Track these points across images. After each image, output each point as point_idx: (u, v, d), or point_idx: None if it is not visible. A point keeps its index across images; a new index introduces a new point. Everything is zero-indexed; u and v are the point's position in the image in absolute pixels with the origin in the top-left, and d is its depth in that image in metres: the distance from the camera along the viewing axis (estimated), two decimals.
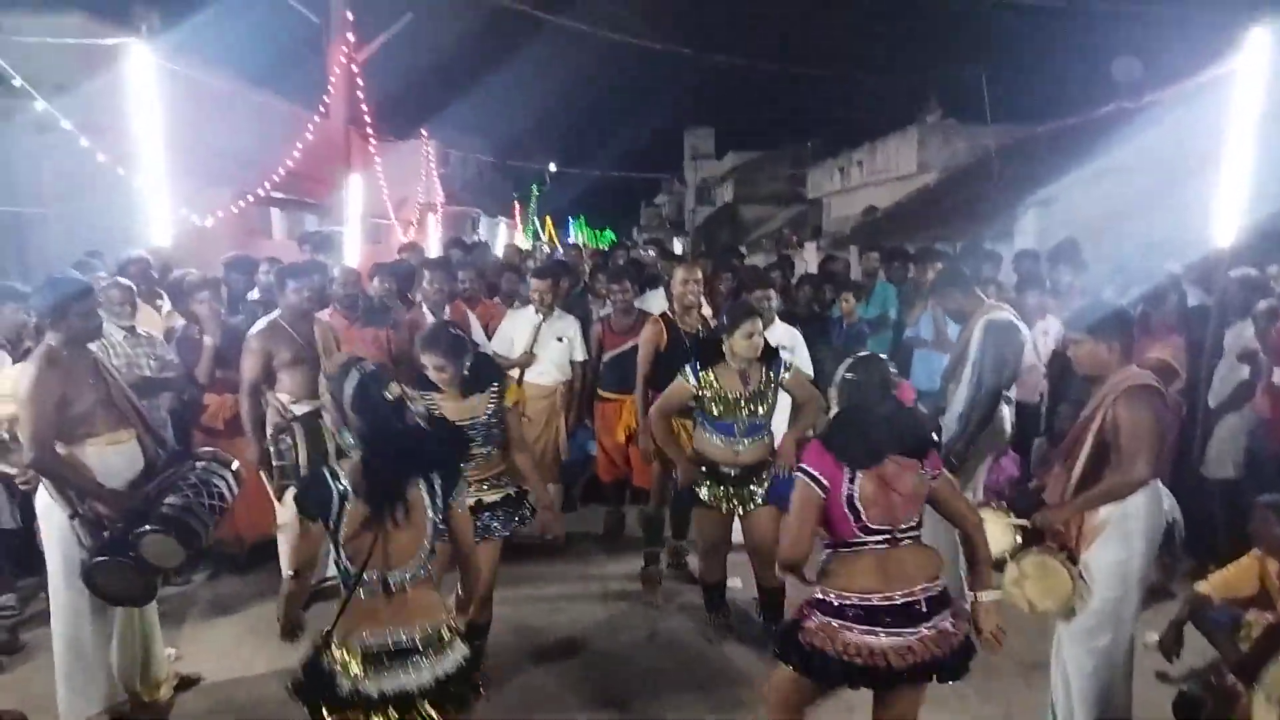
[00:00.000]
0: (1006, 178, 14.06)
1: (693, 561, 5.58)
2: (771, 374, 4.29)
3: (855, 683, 2.80)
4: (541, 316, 5.87)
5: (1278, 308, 5.09)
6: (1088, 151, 11.02)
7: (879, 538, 2.79)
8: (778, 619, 4.43)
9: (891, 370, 3.06)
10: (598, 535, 6.14)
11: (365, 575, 2.65)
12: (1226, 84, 5.67)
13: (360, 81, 12.49)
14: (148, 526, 3.43)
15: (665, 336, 5.17)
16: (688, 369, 4.31)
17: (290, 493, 2.65)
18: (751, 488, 4.33)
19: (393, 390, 2.82)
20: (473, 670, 2.77)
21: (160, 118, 7.43)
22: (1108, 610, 3.24)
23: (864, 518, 2.78)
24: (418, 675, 2.64)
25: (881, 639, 2.72)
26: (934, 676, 2.79)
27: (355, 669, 2.61)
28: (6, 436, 4.21)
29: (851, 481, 2.78)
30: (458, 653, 2.75)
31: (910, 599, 2.75)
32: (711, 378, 4.25)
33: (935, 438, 3.04)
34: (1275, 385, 4.74)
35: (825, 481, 2.79)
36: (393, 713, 2.61)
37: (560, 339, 5.92)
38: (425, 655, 2.67)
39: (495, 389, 3.91)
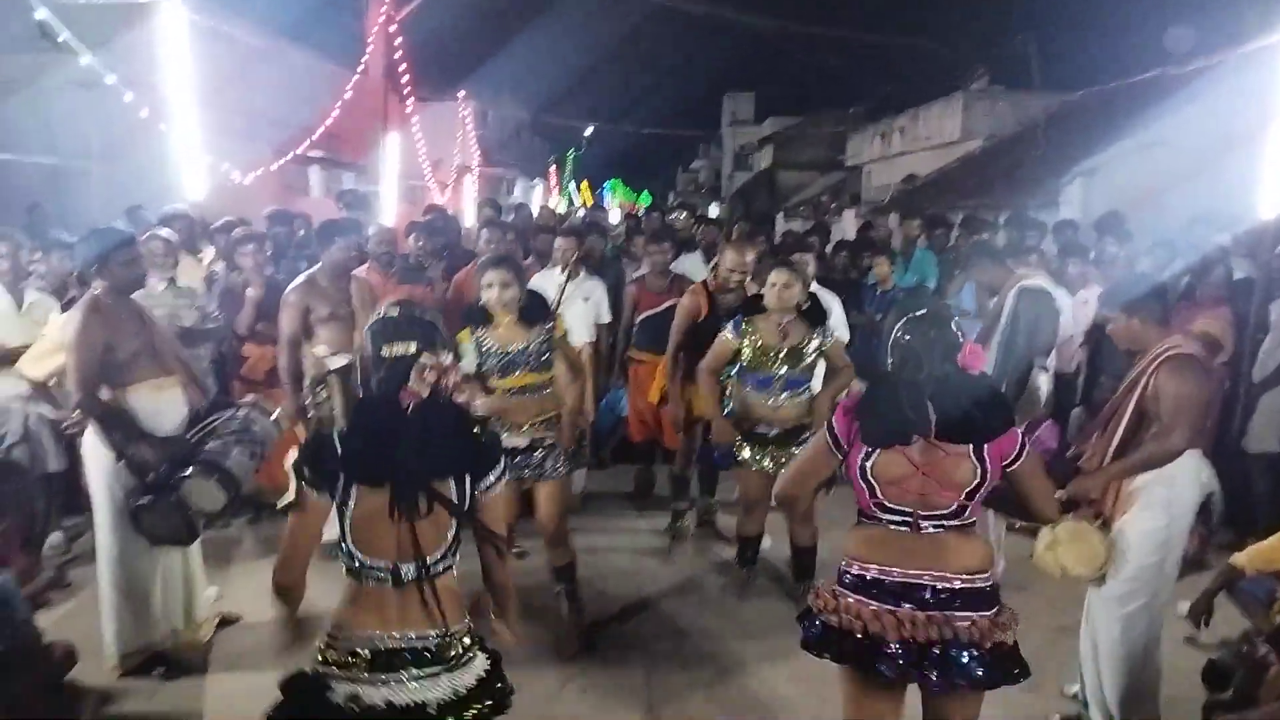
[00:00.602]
0: (1052, 146, 13.76)
1: (721, 519, 5.64)
2: (813, 333, 4.37)
3: (845, 654, 2.47)
4: (567, 276, 5.83)
5: None
6: (1135, 120, 10.76)
7: (897, 518, 2.48)
8: (808, 577, 4.52)
9: (956, 330, 2.55)
10: (628, 493, 6.21)
11: (373, 563, 2.20)
12: (1276, 53, 5.51)
13: (398, 40, 12.50)
14: (190, 470, 3.52)
15: (705, 308, 5.11)
16: (729, 325, 4.41)
17: (290, 458, 2.15)
18: (791, 448, 4.35)
19: (397, 348, 2.21)
20: (496, 683, 2.31)
21: (201, 74, 7.51)
22: (1141, 577, 3.22)
23: (879, 494, 2.48)
24: (434, 688, 2.18)
25: (865, 607, 2.44)
26: (943, 672, 2.38)
27: (361, 671, 2.16)
28: (53, 383, 4.33)
29: (868, 454, 2.47)
30: (479, 665, 2.28)
31: (916, 580, 2.42)
32: (752, 329, 4.36)
33: (1006, 415, 2.49)
34: None
35: (844, 443, 2.51)
36: None
37: (586, 299, 5.87)
38: (443, 664, 2.22)
39: (548, 328, 4.03)
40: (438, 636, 2.23)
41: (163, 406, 3.76)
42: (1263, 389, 5.15)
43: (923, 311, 2.56)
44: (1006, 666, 2.42)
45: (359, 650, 2.18)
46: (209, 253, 6.15)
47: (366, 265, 5.59)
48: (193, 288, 5.17)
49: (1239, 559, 3.74)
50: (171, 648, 3.94)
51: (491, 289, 3.93)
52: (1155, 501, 3.19)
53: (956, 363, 2.48)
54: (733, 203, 38.98)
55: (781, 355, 4.34)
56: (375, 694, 2.15)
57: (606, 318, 6.00)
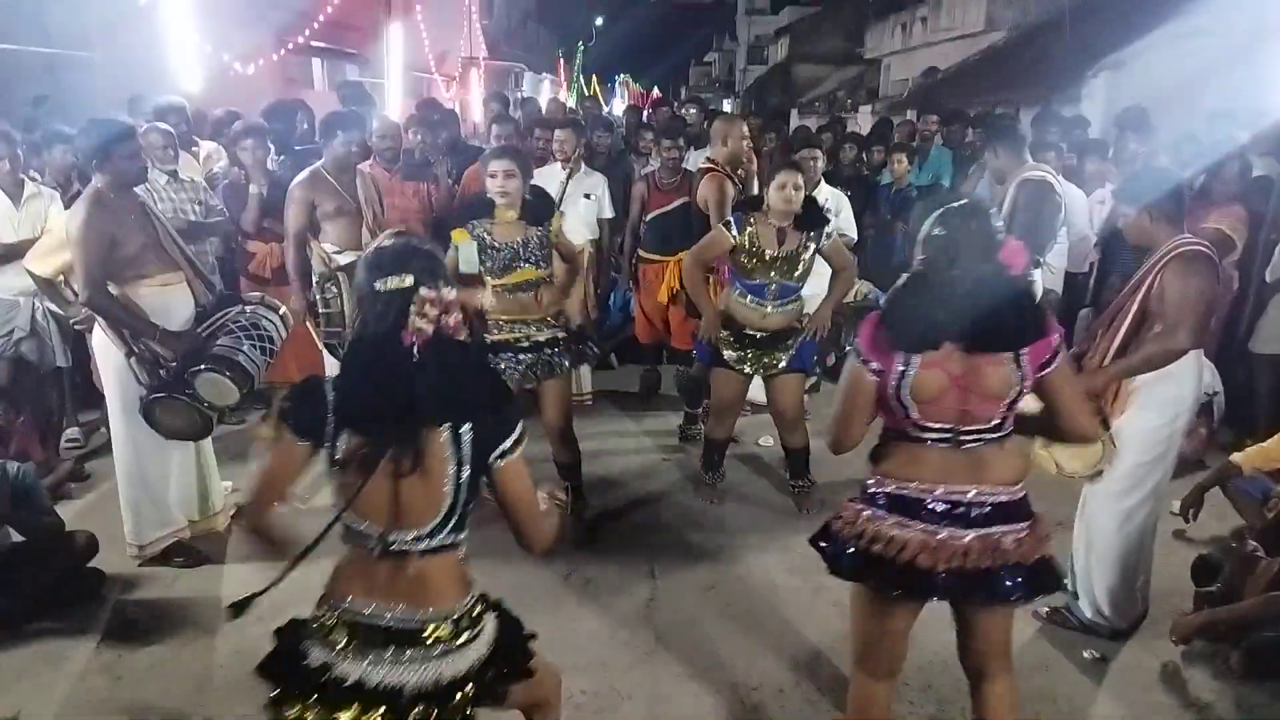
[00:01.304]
0: (1078, 38, 13.28)
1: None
2: (810, 238, 4.23)
3: (880, 581, 2.36)
4: (568, 173, 5.70)
5: None
6: (1165, 12, 10.34)
7: (936, 435, 2.32)
8: (803, 477, 4.64)
9: (996, 226, 2.36)
10: (634, 393, 6.26)
11: (361, 527, 1.98)
12: None
13: None
14: (203, 365, 3.57)
15: (732, 187, 5.05)
16: (731, 220, 4.28)
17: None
18: (777, 353, 4.35)
19: (391, 281, 1.92)
20: (510, 658, 2.12)
21: None
22: (1137, 475, 3.25)
23: (915, 415, 2.30)
24: (412, 672, 1.95)
25: (911, 531, 2.29)
26: (989, 594, 2.32)
27: (339, 640, 1.96)
28: (62, 281, 4.34)
29: (905, 370, 2.26)
30: (477, 648, 2.04)
31: (960, 497, 2.29)
32: (751, 230, 4.21)
33: (1046, 319, 2.32)
34: None
35: (876, 364, 2.30)
36: (375, 714, 1.93)
37: (588, 196, 5.76)
38: (426, 648, 1.97)
39: (547, 224, 4.00)
40: (425, 619, 1.97)
41: (170, 302, 3.76)
42: (1273, 290, 5.09)
43: (962, 202, 2.35)
44: (1046, 578, 2.37)
45: (339, 618, 1.97)
46: (205, 146, 6.05)
47: (371, 160, 5.51)
48: (195, 181, 5.12)
49: (1238, 457, 3.79)
50: (189, 538, 4.06)
51: (495, 179, 3.86)
52: (1154, 401, 3.19)
53: (996, 260, 2.29)
54: (746, 98, 38.05)
55: (778, 260, 4.20)
56: (346, 668, 1.94)
57: (609, 214, 5.91)
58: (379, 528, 1.95)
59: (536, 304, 4.01)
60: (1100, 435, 3.07)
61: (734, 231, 4.23)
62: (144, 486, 3.89)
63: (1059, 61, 12.90)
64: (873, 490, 2.39)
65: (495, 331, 4.00)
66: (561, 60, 32.91)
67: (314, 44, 10.42)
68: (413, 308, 1.90)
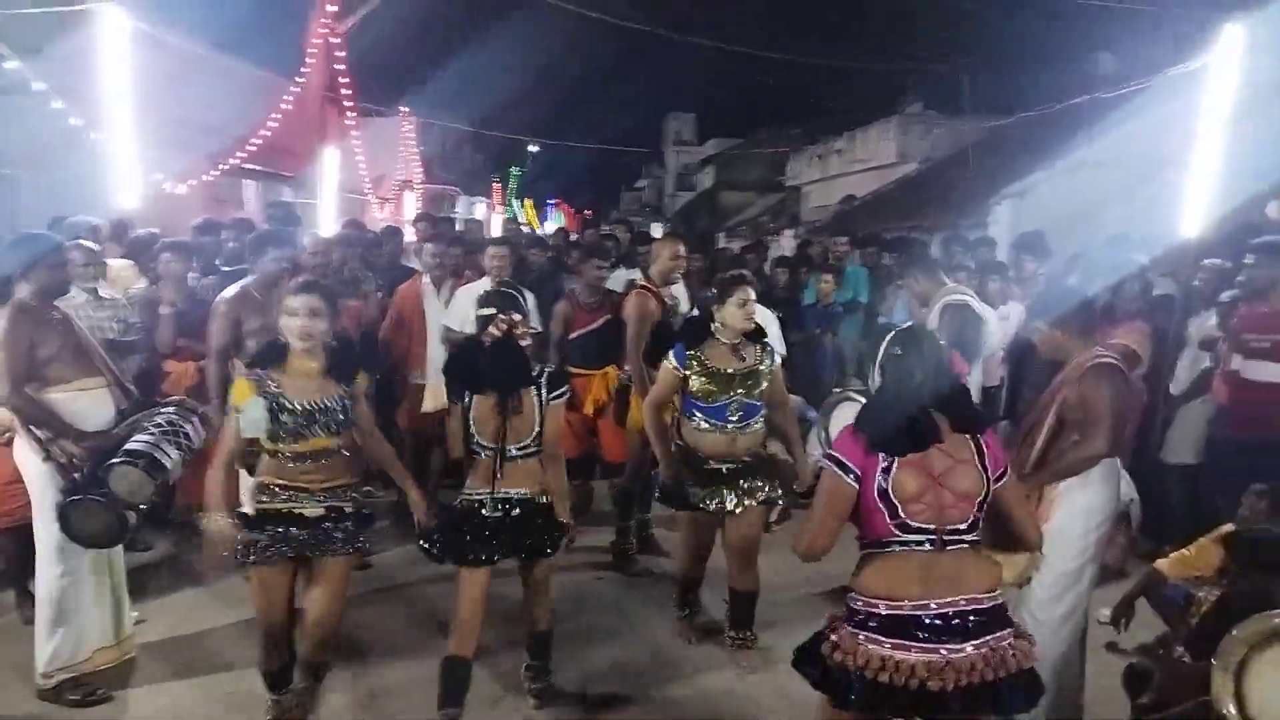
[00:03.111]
0: (982, 170, 14.17)
1: (660, 534, 5.63)
2: (764, 351, 4.11)
3: (890, 710, 2.37)
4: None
5: (1239, 297, 5.19)
6: (1062, 144, 11.14)
7: (920, 538, 2.40)
8: (747, 627, 4.22)
9: (941, 343, 2.67)
10: None
11: (486, 444, 3.48)
12: (1199, 79, 5.75)
13: (340, 54, 12.37)
14: (116, 459, 3.53)
15: (658, 306, 5.11)
16: (672, 354, 4.06)
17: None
18: (741, 483, 4.03)
19: (485, 311, 3.50)
20: (557, 527, 3.59)
21: (134, 82, 7.34)
22: (1063, 581, 3.31)
23: (901, 514, 2.40)
24: (526, 526, 3.51)
25: (913, 655, 2.32)
26: (994, 708, 2.37)
27: (486, 510, 3.47)
28: None
29: (886, 472, 2.40)
30: (552, 515, 3.59)
31: (951, 609, 2.34)
32: (700, 357, 4.01)
33: (988, 413, 2.75)
34: (1232, 371, 4.83)
35: (857, 470, 2.42)
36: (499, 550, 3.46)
37: None
38: (531, 509, 3.53)
39: (352, 381, 3.47)
40: (533, 495, 3.54)
41: (90, 406, 3.77)
42: (1180, 401, 5.34)
43: (909, 325, 2.66)
44: (1037, 688, 2.44)
45: (485, 500, 3.50)
46: (115, 264, 5.94)
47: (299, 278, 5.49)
48: (115, 298, 5.03)
49: (1161, 565, 3.86)
50: (90, 671, 3.82)
51: (296, 318, 3.25)
52: (1076, 508, 3.29)
53: (947, 369, 2.61)
54: (675, 222, 39.29)
55: (739, 377, 3.97)
56: (494, 520, 3.49)
57: (536, 329, 5.93)
58: (496, 444, 3.47)
59: (327, 473, 3.37)
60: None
61: (676, 364, 4.03)
62: (62, 607, 3.73)
63: (966, 190, 13.70)
64: (863, 613, 2.41)
65: (265, 499, 3.32)
66: (497, 184, 33.67)
67: (247, 165, 10.49)
68: (491, 324, 3.45)
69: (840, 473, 2.45)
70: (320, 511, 3.33)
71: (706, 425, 4.03)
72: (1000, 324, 5.83)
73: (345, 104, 12.70)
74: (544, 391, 3.52)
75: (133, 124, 7.37)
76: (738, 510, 4.02)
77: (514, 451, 3.48)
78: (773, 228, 21.58)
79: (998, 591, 2.44)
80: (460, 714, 3.47)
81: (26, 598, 4.29)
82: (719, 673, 4.14)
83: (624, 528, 5.43)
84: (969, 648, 2.32)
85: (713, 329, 4.07)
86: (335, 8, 12.04)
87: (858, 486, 2.42)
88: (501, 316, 3.42)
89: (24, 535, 4.16)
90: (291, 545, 3.28)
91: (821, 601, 4.61)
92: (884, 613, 2.37)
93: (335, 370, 3.40)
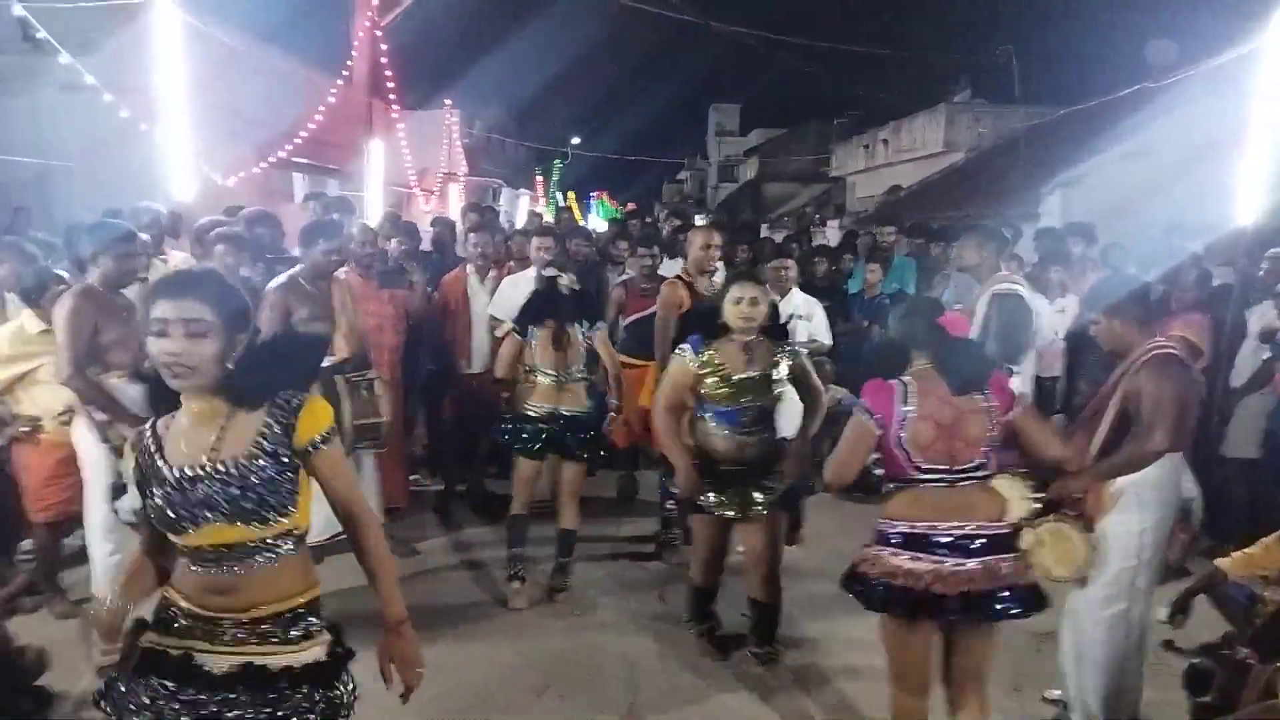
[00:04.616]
0: (1033, 158, 13.89)
1: None
2: (783, 352, 3.86)
3: (903, 610, 2.83)
4: None
5: None
6: (1113, 133, 10.90)
7: (934, 476, 2.87)
8: (770, 642, 4.04)
9: (940, 306, 3.17)
10: (610, 499, 6.17)
11: (546, 369, 4.55)
12: (1251, 63, 5.58)
13: (384, 47, 12.46)
14: None
15: (688, 298, 5.03)
16: (687, 346, 3.83)
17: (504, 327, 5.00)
18: (758, 491, 3.80)
19: (550, 271, 4.67)
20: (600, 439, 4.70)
21: (183, 76, 7.44)
22: (1122, 580, 3.22)
23: (915, 458, 2.86)
24: (570, 431, 4.57)
25: (924, 564, 2.78)
26: (989, 613, 2.81)
27: (541, 426, 4.54)
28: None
29: (903, 423, 2.86)
30: (591, 424, 4.67)
31: (959, 531, 2.80)
32: (714, 354, 3.80)
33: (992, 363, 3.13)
34: None
35: (879, 416, 2.88)
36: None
37: None
38: (578, 422, 4.60)
39: (290, 422, 2.09)
40: (573, 406, 4.62)
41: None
42: (1240, 394, 5.19)
43: (915, 295, 3.10)
44: (1035, 598, 2.87)
45: (537, 416, 4.58)
46: (174, 256, 6.04)
47: (347, 268, 5.53)
48: None
49: (1223, 564, 3.75)
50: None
51: (163, 339, 1.95)
52: (1134, 504, 3.19)
53: (939, 326, 2.99)
54: (718, 214, 39.17)
55: (751, 381, 3.76)
56: (547, 428, 4.58)
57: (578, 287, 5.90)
58: (554, 370, 4.55)
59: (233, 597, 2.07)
60: (1076, 461, 3.20)
61: (689, 356, 3.82)
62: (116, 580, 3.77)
63: (1015, 180, 13.45)
64: (886, 531, 2.89)
65: (156, 634, 2.13)
66: (539, 176, 33.82)
67: (295, 158, 10.62)
68: (556, 281, 4.61)
69: (867, 418, 2.92)
70: (227, 668, 2.00)
71: (718, 428, 3.83)
72: (1058, 316, 5.71)
73: (389, 97, 12.80)
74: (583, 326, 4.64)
75: (182, 117, 7.48)
76: (749, 513, 3.81)
77: (569, 374, 4.56)
78: (818, 218, 21.38)
79: (1003, 521, 2.87)
80: (524, 553, 4.64)
81: (57, 593, 4.37)
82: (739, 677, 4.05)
83: (668, 518, 5.41)
84: (971, 563, 2.78)
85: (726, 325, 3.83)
86: (379, 1, 12.12)
87: (879, 431, 2.89)
88: (562, 278, 4.61)
89: (60, 531, 4.28)
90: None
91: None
92: (903, 529, 2.86)
93: (249, 396, 2.02)
